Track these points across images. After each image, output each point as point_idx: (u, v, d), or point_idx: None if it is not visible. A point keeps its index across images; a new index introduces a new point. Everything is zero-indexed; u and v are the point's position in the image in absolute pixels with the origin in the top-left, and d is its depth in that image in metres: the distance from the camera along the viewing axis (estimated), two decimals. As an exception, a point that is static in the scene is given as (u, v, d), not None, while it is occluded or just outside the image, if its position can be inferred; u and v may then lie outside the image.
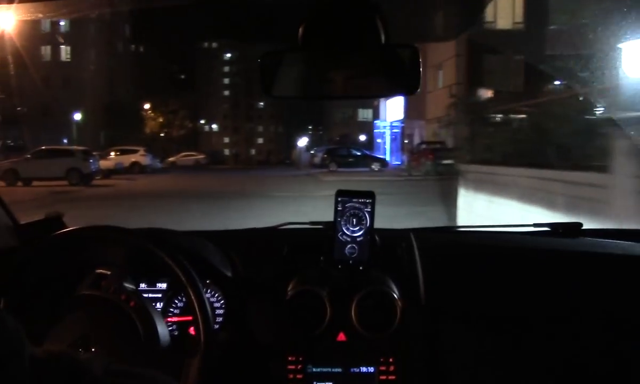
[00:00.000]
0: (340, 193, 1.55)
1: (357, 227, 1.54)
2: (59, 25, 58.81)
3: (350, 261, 1.54)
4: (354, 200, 1.54)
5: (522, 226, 1.96)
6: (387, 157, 42.68)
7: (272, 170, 44.24)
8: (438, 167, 28.21)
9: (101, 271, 1.45)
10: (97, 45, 61.63)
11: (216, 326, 1.50)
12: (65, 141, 44.47)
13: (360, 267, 1.54)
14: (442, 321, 1.55)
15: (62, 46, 59.75)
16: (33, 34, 53.19)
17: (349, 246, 1.53)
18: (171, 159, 56.18)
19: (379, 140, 50.19)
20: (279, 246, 1.72)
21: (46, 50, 59.58)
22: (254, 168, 54.37)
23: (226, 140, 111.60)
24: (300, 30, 1.32)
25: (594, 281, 1.60)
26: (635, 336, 1.52)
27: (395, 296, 1.47)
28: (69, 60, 59.73)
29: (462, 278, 1.63)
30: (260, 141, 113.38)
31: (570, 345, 1.53)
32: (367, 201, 1.54)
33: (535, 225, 1.90)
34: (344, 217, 1.54)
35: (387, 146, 46.93)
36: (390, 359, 1.47)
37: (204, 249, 1.62)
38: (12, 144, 40.90)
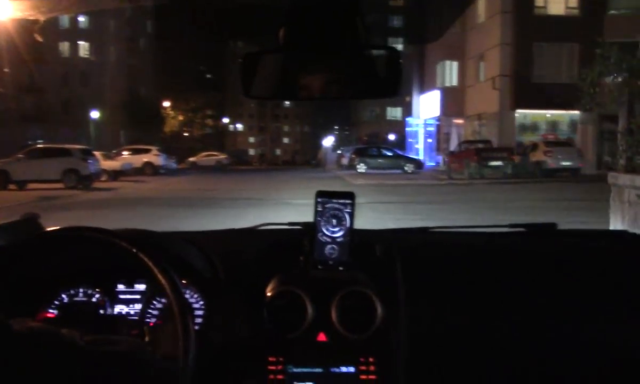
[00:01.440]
0: (320, 194, 1.55)
1: (337, 228, 1.54)
2: (78, 21, 57.54)
3: (330, 262, 1.55)
4: (334, 200, 1.55)
5: (499, 226, 1.96)
6: (421, 158, 39.71)
7: (297, 171, 41.97)
8: (483, 169, 25.20)
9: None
10: (117, 41, 60.22)
11: (195, 328, 1.40)
12: (84, 139, 42.74)
13: (340, 268, 1.55)
14: (422, 320, 1.58)
15: (80, 42, 58.30)
16: (51, 30, 52.25)
17: (328, 246, 1.54)
18: (192, 159, 54.66)
19: (410, 139, 47.39)
20: (258, 247, 1.73)
21: (64, 47, 58.29)
22: (278, 169, 52.81)
23: (252, 140, 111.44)
24: (281, 32, 1.34)
25: (566, 280, 1.67)
26: (604, 331, 1.59)
27: (375, 296, 1.47)
28: (87, 56, 58.31)
29: (441, 278, 1.67)
30: (286, 140, 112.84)
31: (546, 342, 1.58)
32: (347, 201, 1.55)
33: (511, 225, 1.92)
34: (324, 218, 1.54)
35: (421, 146, 44.06)
36: (371, 359, 1.46)
37: (182, 249, 1.60)
38: (30, 143, 38.94)
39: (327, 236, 1.54)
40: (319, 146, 65.16)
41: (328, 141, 57.40)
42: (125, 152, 35.25)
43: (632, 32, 26.42)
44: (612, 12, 29.55)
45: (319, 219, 1.55)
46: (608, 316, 1.60)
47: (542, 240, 1.88)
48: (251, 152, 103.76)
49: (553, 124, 31.68)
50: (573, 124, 31.62)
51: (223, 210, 14.07)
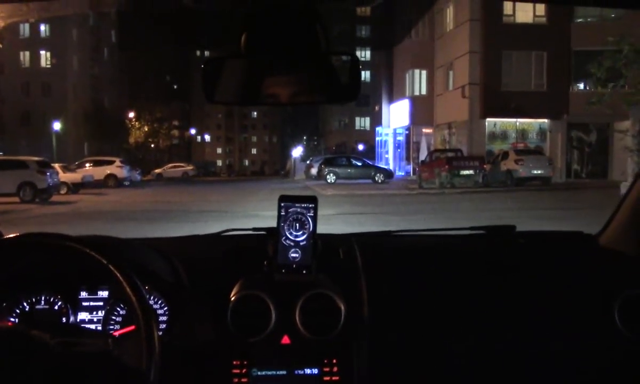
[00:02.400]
0: (283, 198, 1.58)
1: (300, 232, 1.56)
2: (39, 30, 56.18)
3: (294, 266, 1.57)
4: (297, 205, 1.57)
5: (459, 229, 2.01)
6: (391, 167, 39.41)
7: (266, 182, 41.37)
8: (454, 178, 24.94)
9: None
10: (80, 51, 58.97)
11: (160, 333, 1.41)
12: (46, 151, 41.52)
13: (304, 271, 1.57)
14: (384, 321, 1.59)
15: (42, 52, 56.86)
16: (10, 38, 51.04)
17: (292, 250, 1.56)
18: (157, 170, 53.69)
19: (380, 149, 47.14)
20: (222, 252, 1.74)
21: (25, 57, 56.71)
22: (246, 180, 52.33)
23: (219, 151, 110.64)
24: (243, 37, 1.36)
25: (524, 281, 1.69)
26: (558, 331, 1.62)
27: (338, 298, 1.50)
28: (49, 66, 56.90)
29: (402, 280, 1.69)
30: (254, 151, 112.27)
31: (504, 344, 1.61)
32: (310, 205, 1.57)
33: (471, 228, 1.96)
34: (287, 222, 1.56)
35: (390, 155, 43.78)
36: (334, 361, 1.50)
37: (145, 255, 1.62)
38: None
39: (290, 240, 1.55)
40: (287, 156, 64.67)
41: (297, 151, 56.80)
42: (87, 164, 34.17)
43: (597, 40, 26.68)
44: (579, 20, 29.69)
45: (282, 223, 1.55)
46: (562, 314, 1.63)
47: (501, 241, 1.94)
48: (219, 163, 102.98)
49: (522, 133, 31.67)
50: (542, 132, 31.66)
51: (187, 224, 13.39)
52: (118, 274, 1.24)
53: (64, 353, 1.08)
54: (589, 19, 29.41)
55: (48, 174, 22.59)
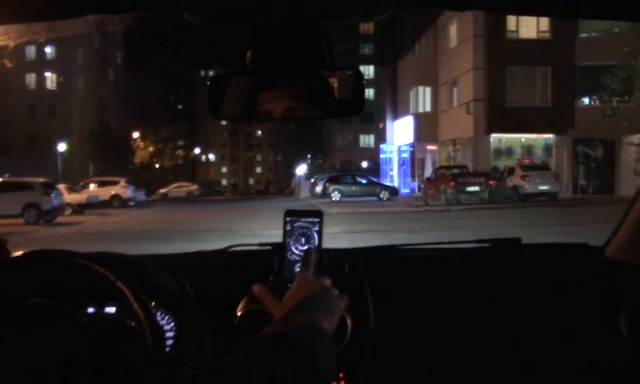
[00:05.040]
0: (288, 213, 1.57)
1: (306, 247, 1.54)
2: (45, 52, 56.66)
3: None
4: (302, 219, 1.55)
5: (464, 242, 2.02)
6: (396, 185, 39.29)
7: (270, 201, 41.36)
8: (460, 195, 24.85)
9: None
10: (86, 72, 59.43)
11: (167, 348, 1.51)
12: (52, 172, 41.75)
13: None
14: (391, 335, 1.61)
15: (47, 74, 57.29)
16: (16, 61, 51.51)
17: (298, 264, 1.53)
18: (162, 190, 53.89)
19: (385, 166, 47.07)
20: (228, 267, 1.78)
21: (31, 79, 57.18)
22: (251, 199, 52.36)
23: (224, 170, 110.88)
24: (248, 54, 1.40)
25: (529, 293, 1.70)
26: (563, 342, 1.62)
27: (344, 312, 1.46)
28: (55, 88, 57.30)
29: (408, 293, 1.71)
30: (259, 170, 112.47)
31: (510, 355, 1.62)
32: (315, 220, 1.55)
33: (476, 241, 1.97)
34: (293, 237, 1.55)
35: (395, 172, 43.68)
36: (341, 375, 1.50)
37: (152, 271, 1.63)
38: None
39: (296, 254, 1.53)
40: (292, 174, 64.71)
41: (301, 170, 56.80)
42: (92, 185, 34.34)
43: (602, 55, 26.64)
44: (583, 35, 29.67)
45: (287, 238, 1.54)
46: (568, 326, 1.63)
47: (506, 254, 1.93)
48: (224, 182, 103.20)
49: (528, 148, 31.55)
50: (547, 147, 31.53)
51: (193, 243, 13.25)
52: (125, 290, 1.26)
53: (92, 321, 1.04)
54: (593, 34, 29.38)
55: (52, 195, 22.58)
